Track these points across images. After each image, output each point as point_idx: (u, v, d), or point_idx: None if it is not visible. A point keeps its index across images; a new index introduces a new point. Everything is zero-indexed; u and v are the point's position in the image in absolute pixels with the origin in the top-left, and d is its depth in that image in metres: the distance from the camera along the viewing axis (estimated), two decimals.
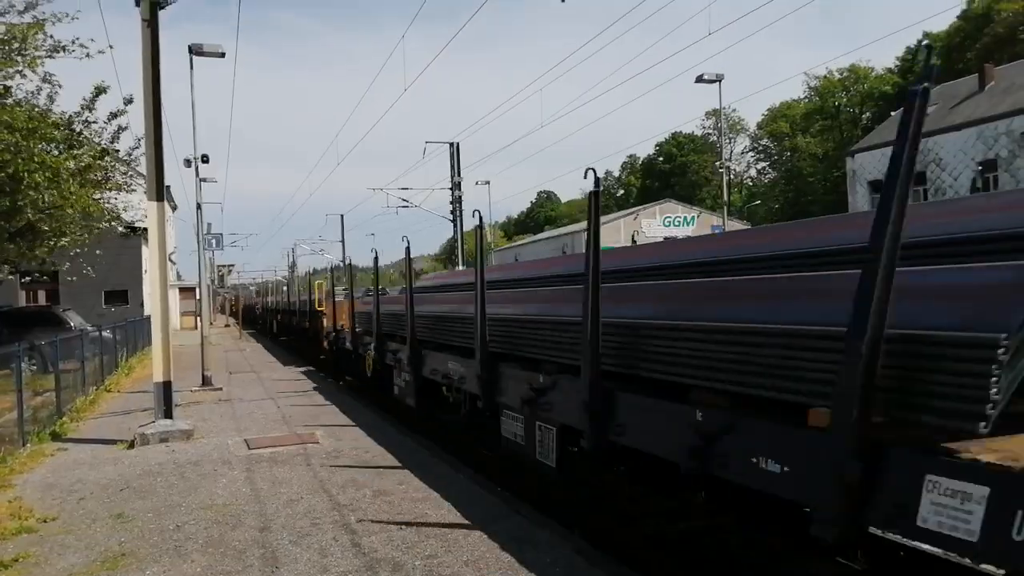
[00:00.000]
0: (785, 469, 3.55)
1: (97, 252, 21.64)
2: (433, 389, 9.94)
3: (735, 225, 48.64)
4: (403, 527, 6.34)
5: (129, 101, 17.36)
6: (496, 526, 6.27)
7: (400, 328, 10.58)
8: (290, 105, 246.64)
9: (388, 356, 11.68)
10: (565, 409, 5.70)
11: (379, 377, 12.41)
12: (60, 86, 16.53)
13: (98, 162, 17.88)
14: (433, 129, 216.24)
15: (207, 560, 5.74)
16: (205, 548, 6.02)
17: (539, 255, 63.24)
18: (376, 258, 12.80)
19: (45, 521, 6.92)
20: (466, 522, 6.42)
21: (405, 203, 41.20)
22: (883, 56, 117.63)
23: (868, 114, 75.73)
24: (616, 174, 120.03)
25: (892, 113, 49.62)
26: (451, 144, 36.90)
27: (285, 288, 41.92)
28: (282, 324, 35.78)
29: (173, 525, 6.67)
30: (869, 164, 44.04)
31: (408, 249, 10.57)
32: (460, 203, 37.03)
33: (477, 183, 51.06)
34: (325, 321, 19.76)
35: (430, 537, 6.05)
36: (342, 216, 61.45)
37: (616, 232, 61.69)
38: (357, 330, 14.65)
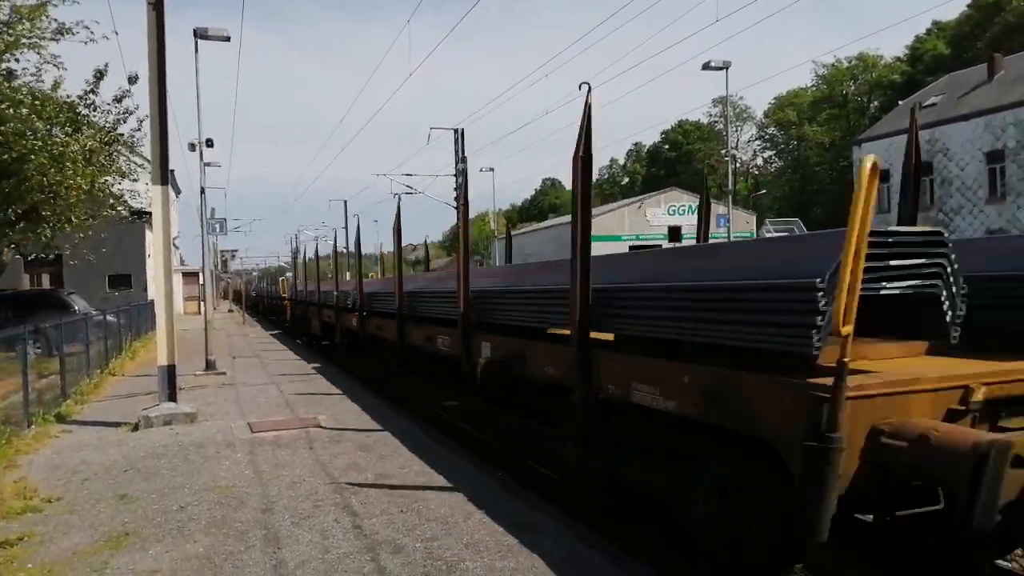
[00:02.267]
0: None
1: (102, 235, 21.70)
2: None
3: (741, 215, 48.48)
4: (404, 510, 6.38)
5: (134, 80, 17.35)
6: (496, 509, 6.31)
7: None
8: (295, 90, 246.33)
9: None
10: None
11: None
12: (65, 68, 16.56)
13: (104, 147, 17.91)
14: (438, 115, 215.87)
15: (210, 540, 5.79)
16: (208, 529, 6.07)
17: (542, 244, 63.15)
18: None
19: (50, 501, 6.98)
20: (468, 505, 6.46)
21: (409, 189, 41.20)
22: (892, 44, 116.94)
23: (876, 103, 75.28)
24: (621, 162, 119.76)
25: (900, 102, 49.33)
26: (455, 130, 36.86)
27: (282, 276, 45.65)
28: (271, 308, 43.78)
29: (176, 506, 6.72)
30: (876, 153, 43.78)
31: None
32: (465, 190, 36.97)
33: (481, 170, 51.09)
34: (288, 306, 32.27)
35: (430, 520, 6.09)
36: (345, 202, 61.38)
37: (621, 220, 61.62)
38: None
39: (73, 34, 15.87)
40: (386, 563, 5.23)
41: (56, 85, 16.91)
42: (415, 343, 11.67)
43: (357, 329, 15.43)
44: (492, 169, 50.66)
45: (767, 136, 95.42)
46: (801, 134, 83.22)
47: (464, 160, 36.11)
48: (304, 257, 30.01)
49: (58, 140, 16.08)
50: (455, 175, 36.94)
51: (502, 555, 5.29)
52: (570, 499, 7.01)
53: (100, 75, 17.23)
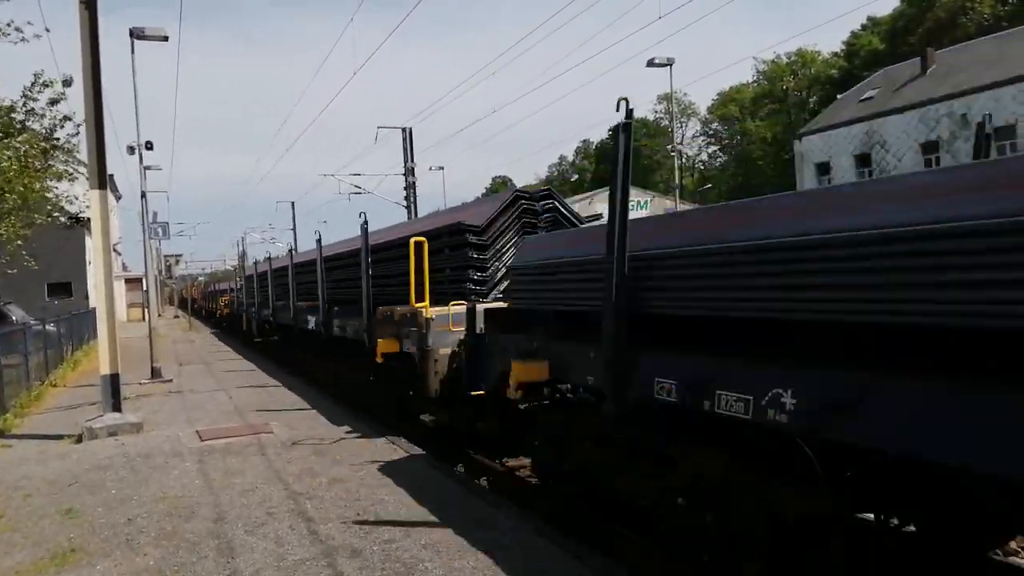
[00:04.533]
0: None
1: (33, 244, 21.00)
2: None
3: (688, 208, 49.19)
4: (360, 513, 6.31)
5: (68, 83, 16.81)
6: (454, 509, 6.28)
7: None
8: (238, 90, 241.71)
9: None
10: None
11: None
12: None
13: (37, 151, 17.35)
14: (385, 114, 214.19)
15: (160, 553, 5.65)
16: (158, 541, 5.92)
17: None
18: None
19: None
20: (424, 507, 6.42)
21: (358, 189, 40.73)
22: (830, 40, 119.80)
23: (815, 97, 76.94)
24: (570, 159, 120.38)
25: (838, 96, 50.58)
26: (403, 129, 36.56)
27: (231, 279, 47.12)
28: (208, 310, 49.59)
29: (124, 519, 6.54)
30: (816, 147, 44.87)
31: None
32: (414, 189, 36.76)
33: (431, 168, 50.68)
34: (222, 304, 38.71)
35: (387, 522, 6.04)
36: (292, 203, 60.50)
37: None
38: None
39: (5, 35, 15.34)
40: (343, 567, 5.16)
41: None
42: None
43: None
44: (442, 168, 50.27)
45: (711, 131, 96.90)
46: (744, 129, 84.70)
47: (412, 171, 35.96)
48: (243, 261, 29.94)
49: None
50: (404, 174, 36.67)
51: (461, 553, 5.27)
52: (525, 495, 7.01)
53: (43, 84, 16.67)
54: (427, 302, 9.13)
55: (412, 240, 9.48)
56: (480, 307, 7.90)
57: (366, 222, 11.02)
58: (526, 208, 10.24)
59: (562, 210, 10.49)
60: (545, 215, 10.31)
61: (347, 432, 9.90)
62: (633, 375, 4.92)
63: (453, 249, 10.31)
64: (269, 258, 22.47)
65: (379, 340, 10.31)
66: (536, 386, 6.36)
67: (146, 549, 5.75)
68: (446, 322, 8.73)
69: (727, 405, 4.17)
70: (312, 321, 15.19)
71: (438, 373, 8.85)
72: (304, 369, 17.22)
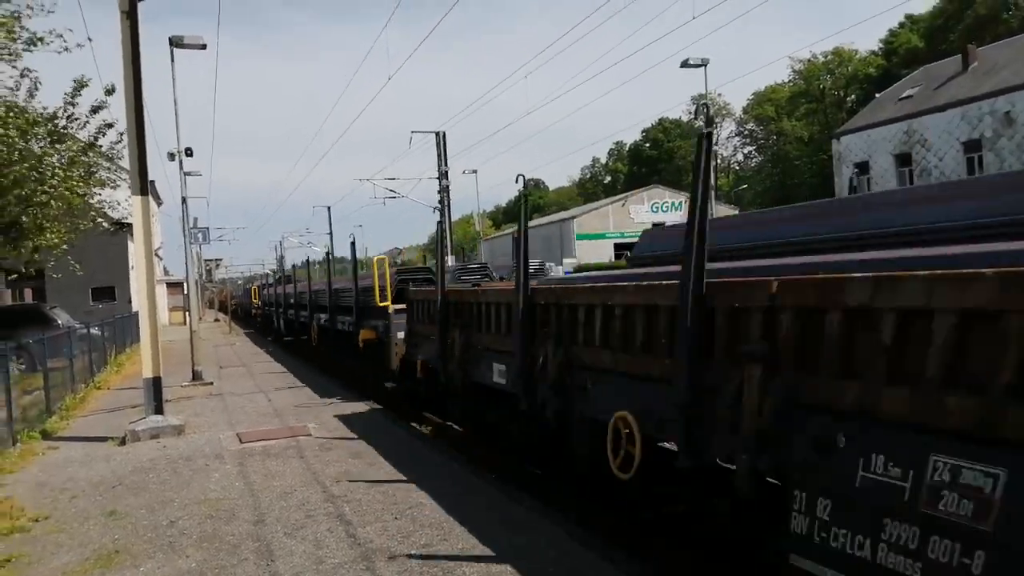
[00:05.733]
0: None
1: (82, 248, 21.46)
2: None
3: (723, 210, 48.74)
4: (398, 517, 6.34)
5: (111, 92, 17.14)
6: (490, 514, 6.28)
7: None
8: (275, 97, 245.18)
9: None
10: None
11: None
12: (40, 82, 16.38)
13: (82, 158, 17.72)
14: (419, 119, 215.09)
15: (202, 555, 5.73)
16: (199, 543, 6.01)
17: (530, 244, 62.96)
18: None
19: (37, 520, 6.89)
20: (461, 511, 6.43)
21: (392, 194, 41.05)
22: (867, 38, 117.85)
23: (852, 96, 75.76)
24: (603, 161, 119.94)
25: (877, 95, 49.71)
26: (437, 134, 36.75)
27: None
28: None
29: (166, 521, 6.65)
30: (854, 146, 44.15)
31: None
32: (447, 192, 36.93)
33: (464, 172, 50.77)
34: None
35: (425, 526, 6.06)
36: (329, 208, 61.23)
37: (604, 218, 61.70)
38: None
39: (46, 44, 15.65)
40: (382, 571, 5.19)
41: (31, 96, 16.71)
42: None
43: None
44: (475, 171, 50.36)
45: (746, 132, 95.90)
46: (780, 129, 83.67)
47: (445, 175, 36.16)
48: (283, 264, 32.80)
49: (37, 152, 15.89)
50: (438, 178, 36.84)
51: (496, 559, 5.27)
52: (562, 501, 7.00)
53: (81, 86, 17.02)
54: (389, 301, 13.08)
55: (375, 258, 14.35)
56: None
57: (354, 242, 14.73)
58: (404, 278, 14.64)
59: (430, 275, 14.37)
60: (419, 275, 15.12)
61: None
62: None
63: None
64: (282, 273, 29.38)
65: (361, 330, 14.45)
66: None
67: (188, 551, 5.84)
68: (402, 316, 12.14)
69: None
70: (322, 319, 19.56)
71: (397, 353, 12.44)
72: (328, 363, 19.62)
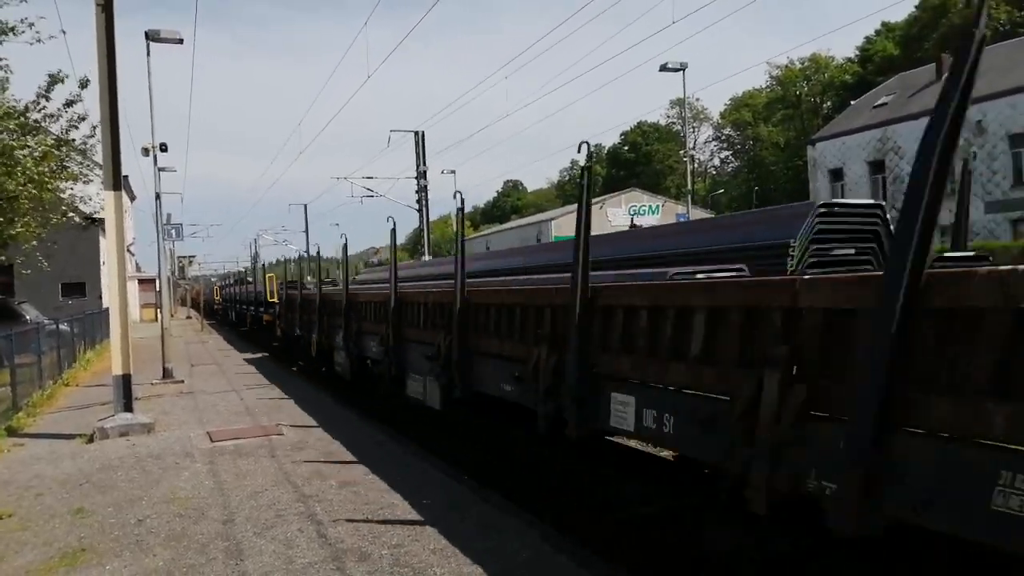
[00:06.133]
0: None
1: (53, 244, 21.12)
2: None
3: (698, 213, 49.12)
4: (369, 517, 6.31)
5: (84, 85, 16.85)
6: (464, 513, 6.27)
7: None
8: (251, 93, 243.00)
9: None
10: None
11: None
12: (11, 72, 16.08)
13: (53, 152, 17.43)
14: (398, 118, 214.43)
15: (170, 554, 5.66)
16: (167, 542, 5.93)
17: (508, 244, 63.16)
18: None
19: (1, 518, 6.76)
20: (434, 510, 6.41)
21: (370, 192, 40.85)
22: (843, 46, 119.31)
23: (829, 103, 76.66)
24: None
25: (852, 102, 50.30)
26: (416, 133, 36.66)
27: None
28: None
29: (134, 519, 6.56)
30: (829, 153, 44.65)
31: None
32: (426, 192, 36.84)
33: (443, 172, 50.60)
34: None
35: (397, 526, 6.03)
36: (305, 206, 60.94)
37: None
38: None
39: (16, 34, 15.33)
40: (352, 571, 5.16)
41: (3, 88, 16.39)
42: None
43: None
44: (453, 171, 50.25)
45: (723, 137, 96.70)
46: (756, 134, 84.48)
47: (424, 175, 36.10)
48: (261, 263, 35.52)
49: (10, 144, 15.59)
50: (416, 178, 36.73)
51: (470, 560, 5.26)
52: (536, 501, 7.00)
53: (55, 81, 16.72)
54: (276, 299, 19.61)
55: (267, 276, 24.11)
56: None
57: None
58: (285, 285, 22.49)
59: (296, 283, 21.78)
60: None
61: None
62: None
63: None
64: (238, 275, 38.56)
65: (264, 315, 20.41)
66: None
67: (156, 550, 5.76)
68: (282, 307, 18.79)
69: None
70: (251, 310, 29.61)
71: (280, 327, 17.28)
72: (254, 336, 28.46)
